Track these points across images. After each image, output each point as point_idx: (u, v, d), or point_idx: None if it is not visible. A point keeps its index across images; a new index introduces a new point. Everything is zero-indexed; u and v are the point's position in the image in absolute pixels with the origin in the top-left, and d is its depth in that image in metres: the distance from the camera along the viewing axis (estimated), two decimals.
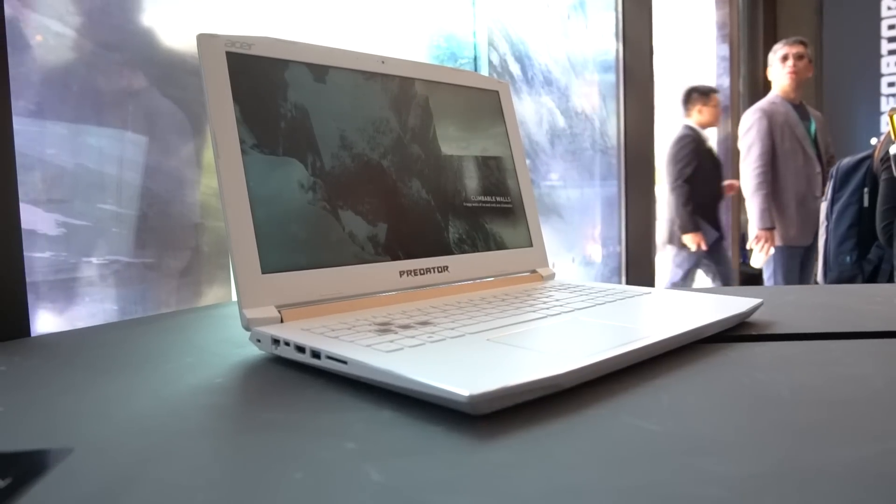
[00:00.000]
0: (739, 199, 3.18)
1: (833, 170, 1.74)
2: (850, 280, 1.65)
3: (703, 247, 2.53)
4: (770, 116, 2.37)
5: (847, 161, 1.69)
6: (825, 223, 1.74)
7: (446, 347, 0.39)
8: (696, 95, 2.70)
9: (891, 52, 3.58)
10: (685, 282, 2.67)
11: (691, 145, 2.60)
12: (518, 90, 1.52)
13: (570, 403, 0.34)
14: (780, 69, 2.45)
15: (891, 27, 3.59)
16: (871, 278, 1.61)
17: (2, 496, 0.25)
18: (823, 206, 1.76)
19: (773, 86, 2.49)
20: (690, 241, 2.55)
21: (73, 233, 0.70)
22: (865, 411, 0.32)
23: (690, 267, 2.65)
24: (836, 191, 1.68)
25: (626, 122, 2.00)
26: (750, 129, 2.40)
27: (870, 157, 1.62)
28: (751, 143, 2.38)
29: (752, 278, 3.33)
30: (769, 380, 0.37)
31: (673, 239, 2.62)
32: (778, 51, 2.47)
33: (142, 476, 0.26)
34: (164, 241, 0.79)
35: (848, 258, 1.65)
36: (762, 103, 2.44)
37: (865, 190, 1.61)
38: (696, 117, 2.68)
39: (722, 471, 0.25)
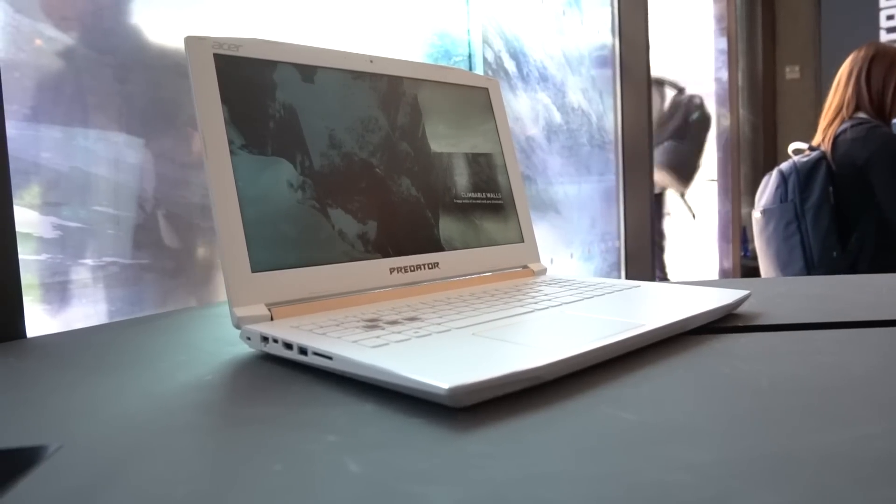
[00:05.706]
0: (738, 192, 3.18)
1: (788, 171, 1.76)
2: (837, 272, 1.70)
3: None
4: None
5: (804, 162, 1.74)
6: (794, 223, 1.75)
7: (431, 342, 0.40)
8: None
9: (890, 43, 3.57)
10: None
11: None
12: (513, 87, 1.52)
13: (551, 395, 0.34)
14: None
15: (889, 17, 3.58)
16: (853, 266, 1.69)
17: None
18: (782, 208, 1.77)
19: None
20: None
21: (69, 235, 0.71)
22: (841, 399, 0.32)
23: None
24: (803, 191, 1.73)
25: (624, 117, 2.00)
26: None
27: (822, 157, 1.71)
28: None
29: (751, 271, 3.33)
30: (750, 369, 0.38)
31: None
32: None
33: (126, 470, 0.27)
34: (160, 242, 0.80)
35: (834, 252, 1.71)
36: None
37: (831, 189, 1.70)
38: None
39: (692, 457, 0.26)
